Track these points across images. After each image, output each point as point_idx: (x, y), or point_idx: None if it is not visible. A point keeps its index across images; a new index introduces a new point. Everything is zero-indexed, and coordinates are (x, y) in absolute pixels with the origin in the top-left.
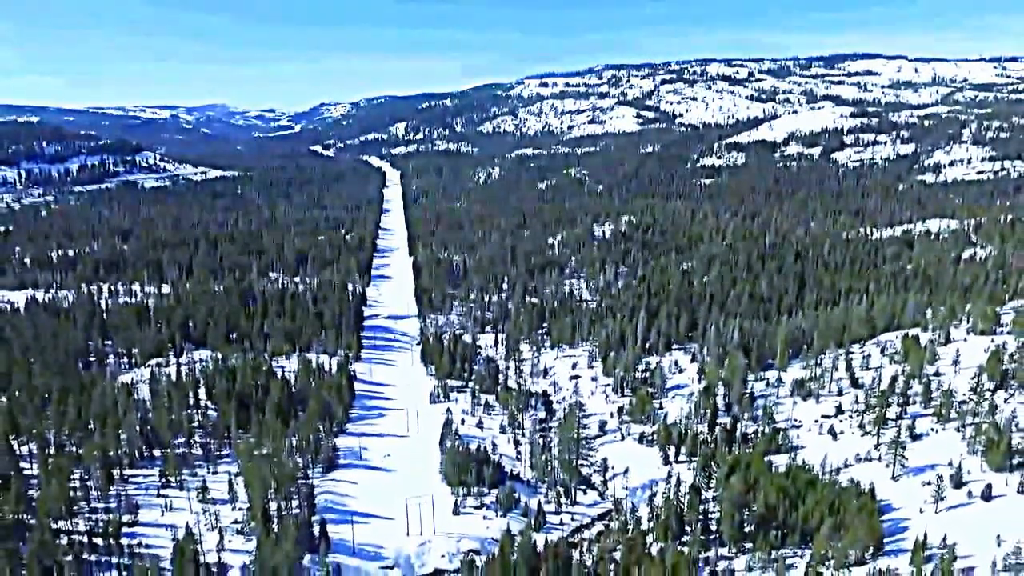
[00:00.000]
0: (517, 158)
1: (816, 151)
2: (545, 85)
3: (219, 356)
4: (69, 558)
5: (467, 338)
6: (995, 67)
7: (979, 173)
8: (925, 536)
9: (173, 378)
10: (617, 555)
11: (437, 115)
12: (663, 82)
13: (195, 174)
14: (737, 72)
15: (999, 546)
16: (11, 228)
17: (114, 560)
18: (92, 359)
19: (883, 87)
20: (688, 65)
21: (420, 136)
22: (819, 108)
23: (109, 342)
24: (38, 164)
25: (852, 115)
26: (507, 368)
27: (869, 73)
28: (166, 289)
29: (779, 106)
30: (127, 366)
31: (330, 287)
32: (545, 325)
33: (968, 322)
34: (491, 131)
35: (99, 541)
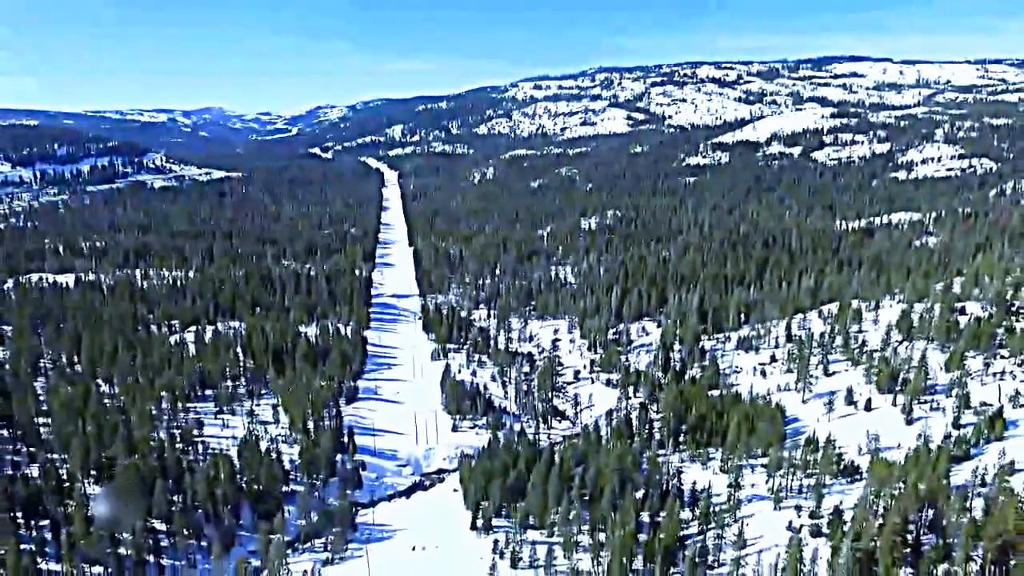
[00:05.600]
0: (511, 159)
1: (797, 150)
2: (539, 88)
3: (250, 323)
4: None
5: (463, 313)
6: (977, 69)
7: (948, 170)
8: (815, 435)
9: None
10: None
11: (433, 117)
12: (654, 84)
13: (200, 175)
14: (727, 75)
15: (867, 437)
16: (37, 224)
17: (190, 457)
18: (139, 327)
19: (868, 89)
20: (679, 68)
21: (416, 138)
22: (802, 109)
23: (151, 315)
24: (51, 165)
25: (832, 115)
26: (498, 335)
27: (855, 75)
28: (191, 274)
29: (766, 107)
30: (167, 333)
31: (339, 271)
32: (532, 302)
33: (903, 295)
34: (486, 133)
35: (179, 445)
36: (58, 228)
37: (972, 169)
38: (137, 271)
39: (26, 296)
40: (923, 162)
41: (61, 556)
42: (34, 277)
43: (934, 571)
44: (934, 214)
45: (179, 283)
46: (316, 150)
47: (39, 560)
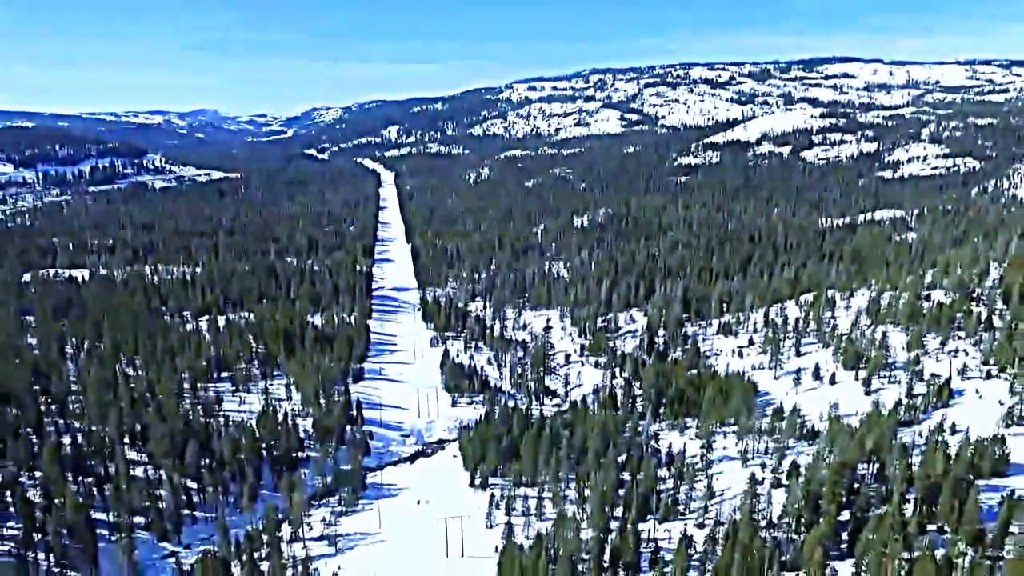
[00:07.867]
0: (506, 159)
1: (786, 150)
2: (533, 89)
3: (259, 312)
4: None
5: (460, 304)
6: (966, 70)
7: (933, 169)
8: (782, 405)
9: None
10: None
11: (429, 119)
12: (647, 85)
13: (199, 175)
14: (719, 76)
15: (828, 406)
16: (42, 223)
17: (212, 428)
18: (153, 317)
19: (858, 89)
20: (672, 69)
21: (412, 139)
22: (792, 110)
23: (164, 306)
24: (53, 166)
25: (822, 116)
26: (493, 323)
27: (846, 76)
28: (198, 270)
29: (758, 108)
30: (180, 322)
31: (341, 266)
32: (527, 295)
33: (877, 285)
34: (481, 134)
35: (202, 418)
36: (64, 227)
37: (956, 168)
38: (146, 267)
39: (46, 289)
40: (909, 161)
41: (107, 507)
42: (49, 272)
43: (873, 510)
44: (916, 211)
45: (187, 277)
46: (312, 151)
47: (89, 510)
